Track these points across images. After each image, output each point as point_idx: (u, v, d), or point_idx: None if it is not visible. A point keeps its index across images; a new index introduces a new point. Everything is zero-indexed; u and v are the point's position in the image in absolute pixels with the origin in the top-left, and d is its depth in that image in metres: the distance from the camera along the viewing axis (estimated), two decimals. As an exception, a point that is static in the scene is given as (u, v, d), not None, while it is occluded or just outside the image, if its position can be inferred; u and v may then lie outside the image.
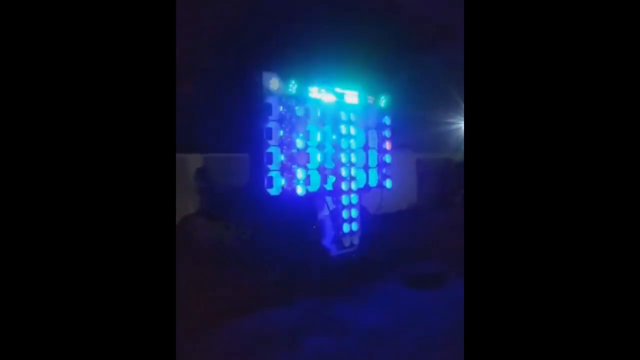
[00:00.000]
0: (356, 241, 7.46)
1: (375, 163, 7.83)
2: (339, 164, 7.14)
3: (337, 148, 7.13)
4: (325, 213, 7.21)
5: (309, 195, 6.69)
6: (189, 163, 7.17)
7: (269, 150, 6.29)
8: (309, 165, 6.71)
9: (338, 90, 7.17)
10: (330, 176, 7.08)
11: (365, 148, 7.71)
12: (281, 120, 6.39)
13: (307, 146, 6.68)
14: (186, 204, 6.99)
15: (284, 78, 6.33)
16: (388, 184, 7.91)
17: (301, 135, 6.56)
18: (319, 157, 6.85)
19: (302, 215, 6.73)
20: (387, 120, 7.92)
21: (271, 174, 6.31)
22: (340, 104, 7.19)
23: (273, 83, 6.20)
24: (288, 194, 6.39)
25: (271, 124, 6.29)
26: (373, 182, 7.80)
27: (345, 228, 7.28)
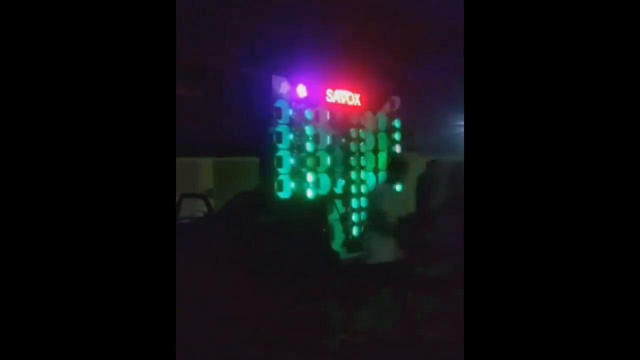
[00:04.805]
0: (366, 244, 7.42)
1: (385, 166, 7.81)
2: (348, 167, 7.14)
3: (347, 151, 7.13)
4: (335, 216, 7.21)
5: (318, 199, 6.70)
6: (200, 167, 7.22)
7: (279, 153, 6.31)
8: (318, 169, 6.72)
9: (348, 93, 7.17)
10: (340, 179, 7.08)
11: (375, 151, 7.70)
12: (291, 123, 6.41)
13: (317, 149, 6.69)
14: (196, 207, 7.03)
15: (294, 82, 6.35)
16: (398, 187, 7.87)
17: (311, 138, 6.57)
18: (328, 161, 6.86)
19: (312, 219, 6.73)
20: (397, 123, 7.90)
21: (281, 177, 6.33)
22: (350, 107, 7.19)
23: (283, 87, 6.22)
24: (298, 197, 6.41)
25: (281, 128, 6.32)
26: (383, 185, 7.78)
27: (355, 231, 7.26)
